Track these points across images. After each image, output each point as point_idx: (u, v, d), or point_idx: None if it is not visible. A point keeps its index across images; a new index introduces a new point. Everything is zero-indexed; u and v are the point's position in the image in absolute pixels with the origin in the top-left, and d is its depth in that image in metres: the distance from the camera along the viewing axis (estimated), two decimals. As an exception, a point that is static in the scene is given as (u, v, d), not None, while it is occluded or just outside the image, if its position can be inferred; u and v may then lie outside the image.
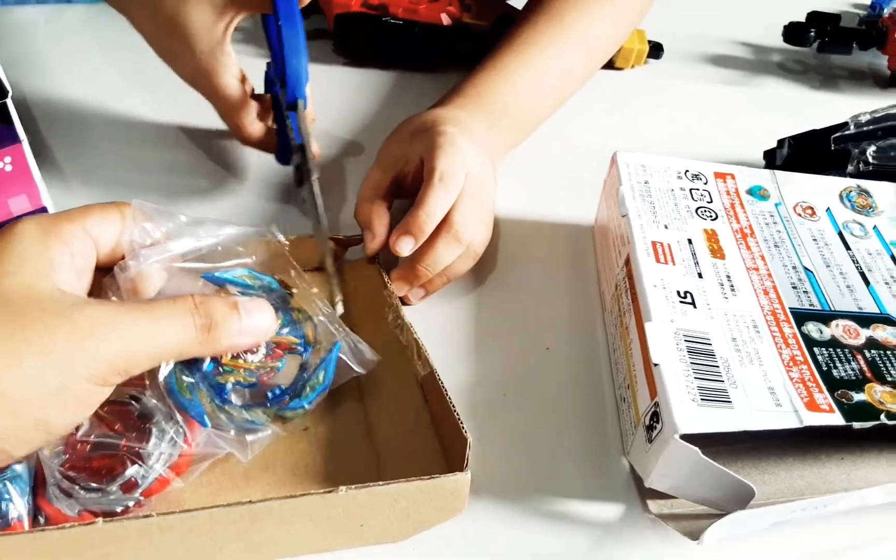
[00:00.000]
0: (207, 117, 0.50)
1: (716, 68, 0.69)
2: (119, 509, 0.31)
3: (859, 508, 0.36)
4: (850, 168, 0.51)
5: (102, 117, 0.57)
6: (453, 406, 0.35)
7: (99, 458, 0.31)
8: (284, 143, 0.49)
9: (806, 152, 0.53)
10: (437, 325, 0.45)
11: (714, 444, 0.34)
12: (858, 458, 0.38)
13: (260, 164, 0.54)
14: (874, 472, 0.37)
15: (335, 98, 0.62)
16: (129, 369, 0.29)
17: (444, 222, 0.43)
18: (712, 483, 0.33)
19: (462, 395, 0.41)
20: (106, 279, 0.33)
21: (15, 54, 0.63)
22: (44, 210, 0.41)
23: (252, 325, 0.33)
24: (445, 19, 0.63)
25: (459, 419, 0.34)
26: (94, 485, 0.31)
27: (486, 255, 0.47)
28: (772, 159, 0.55)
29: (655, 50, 0.68)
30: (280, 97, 0.45)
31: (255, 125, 0.49)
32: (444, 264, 0.44)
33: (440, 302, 0.46)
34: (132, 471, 0.31)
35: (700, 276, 0.40)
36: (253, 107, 0.49)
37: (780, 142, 0.55)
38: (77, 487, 0.31)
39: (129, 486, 0.31)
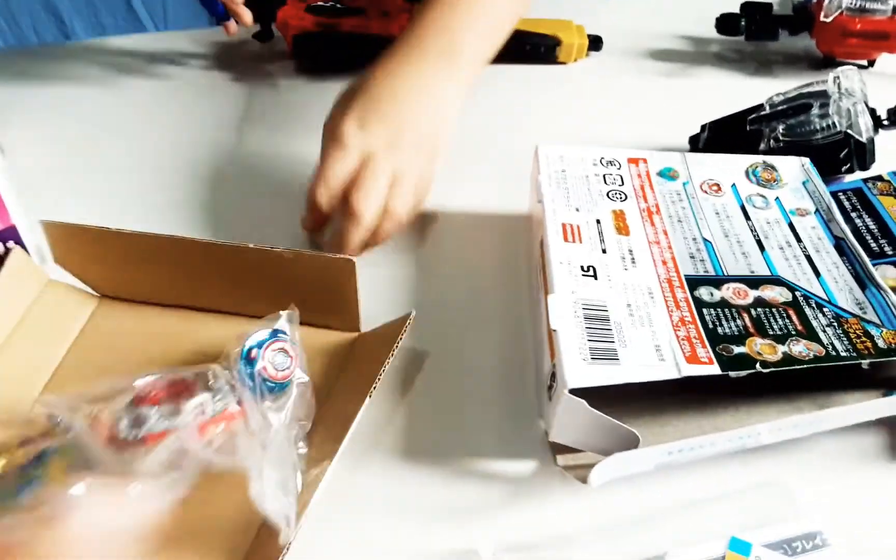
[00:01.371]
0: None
1: (655, 61, 0.73)
2: None
3: (744, 448, 0.39)
4: (762, 146, 0.54)
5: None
6: None
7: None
8: None
9: (724, 135, 0.57)
10: (377, 300, 0.49)
11: (618, 403, 0.37)
12: (753, 407, 0.41)
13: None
14: (764, 417, 0.40)
15: (300, 112, 0.66)
16: None
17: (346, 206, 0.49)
18: (602, 432, 0.36)
19: (400, 363, 0.45)
20: None
21: None
22: (13, 229, 0.45)
23: None
24: (395, 30, 0.67)
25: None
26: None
27: (427, 240, 0.51)
28: (696, 144, 0.59)
29: (595, 43, 0.72)
30: None
31: None
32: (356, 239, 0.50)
33: (382, 284, 0.50)
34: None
35: (604, 251, 0.44)
36: None
37: (703, 127, 0.59)
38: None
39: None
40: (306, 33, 0.69)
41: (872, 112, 0.53)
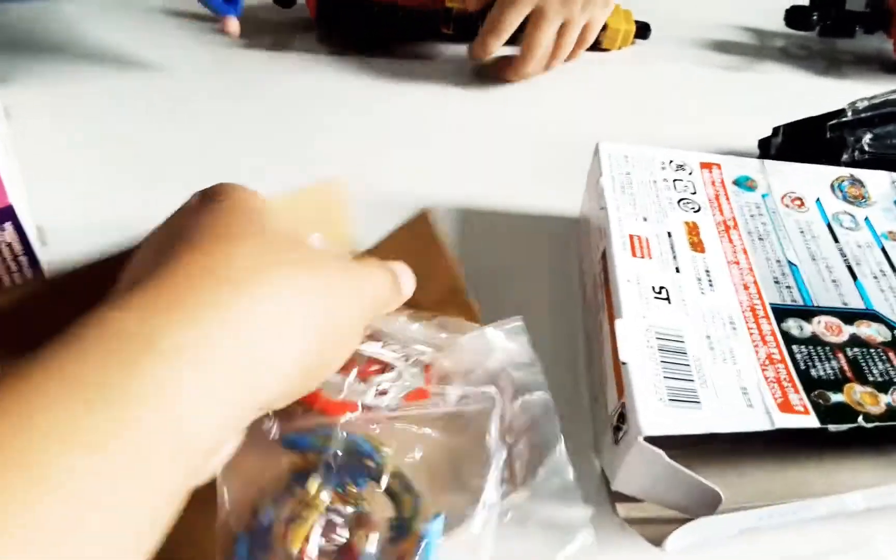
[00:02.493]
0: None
1: (712, 53, 0.67)
2: None
3: (836, 514, 0.34)
4: (844, 157, 0.49)
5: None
6: None
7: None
8: None
9: (800, 141, 0.51)
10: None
11: (688, 444, 0.32)
12: (841, 462, 0.36)
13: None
14: (856, 476, 0.35)
15: (317, 88, 0.61)
16: (371, 319, 0.32)
17: None
18: (678, 487, 0.32)
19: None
20: None
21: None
22: (10, 209, 0.40)
23: (406, 283, 0.35)
24: (430, 2, 0.62)
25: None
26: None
27: (466, 246, 0.46)
28: (766, 148, 0.54)
29: (643, 30, 0.67)
30: None
31: None
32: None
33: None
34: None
35: (678, 270, 0.39)
36: None
37: (775, 130, 0.53)
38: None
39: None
40: (332, 0, 0.63)
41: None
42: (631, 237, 0.40)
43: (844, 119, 0.50)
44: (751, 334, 0.36)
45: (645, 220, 0.42)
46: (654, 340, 0.35)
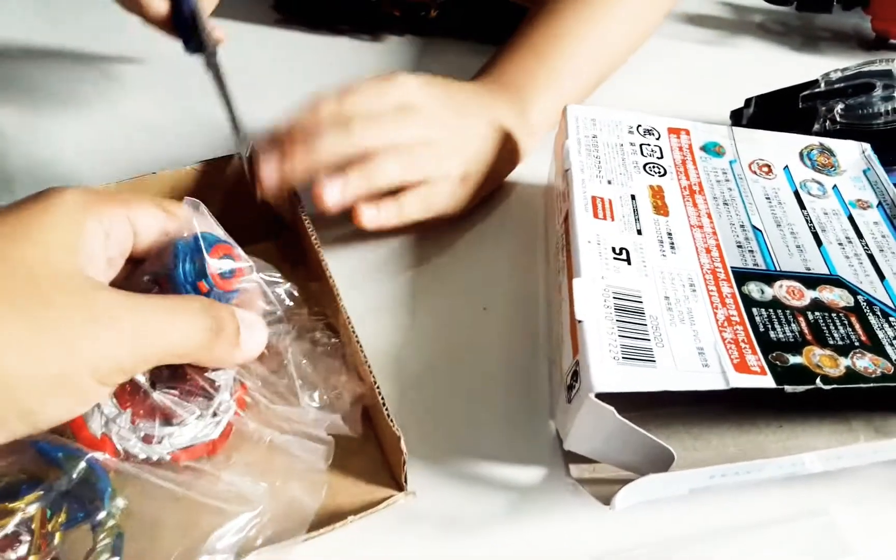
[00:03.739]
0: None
1: (691, 27, 0.66)
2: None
3: (790, 476, 0.34)
4: (816, 127, 0.48)
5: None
6: (392, 422, 0.31)
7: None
8: (179, 18, 0.43)
9: (773, 111, 0.50)
10: (377, 284, 0.43)
11: (644, 407, 0.32)
12: (798, 426, 0.35)
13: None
14: (814, 440, 0.35)
15: (272, 67, 0.59)
16: (134, 368, 0.27)
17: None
18: (630, 446, 0.31)
19: (396, 356, 0.39)
20: (133, 276, 0.31)
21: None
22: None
23: (248, 340, 0.30)
24: None
25: (398, 434, 0.31)
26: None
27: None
28: (738, 119, 0.53)
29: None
30: None
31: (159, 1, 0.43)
32: (381, 174, 0.40)
33: (383, 264, 0.44)
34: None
35: (639, 232, 0.38)
36: None
37: (748, 101, 0.52)
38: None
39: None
40: None
41: (944, 97, 0.47)
42: (594, 199, 0.39)
43: (817, 90, 0.49)
44: (710, 297, 0.35)
45: (609, 182, 0.41)
46: (611, 300, 0.34)
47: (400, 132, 0.41)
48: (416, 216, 0.43)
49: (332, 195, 0.39)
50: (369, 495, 0.33)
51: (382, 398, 0.32)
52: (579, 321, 0.33)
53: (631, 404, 0.30)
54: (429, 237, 0.46)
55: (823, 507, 0.34)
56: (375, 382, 0.32)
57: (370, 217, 0.41)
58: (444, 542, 0.33)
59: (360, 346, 0.33)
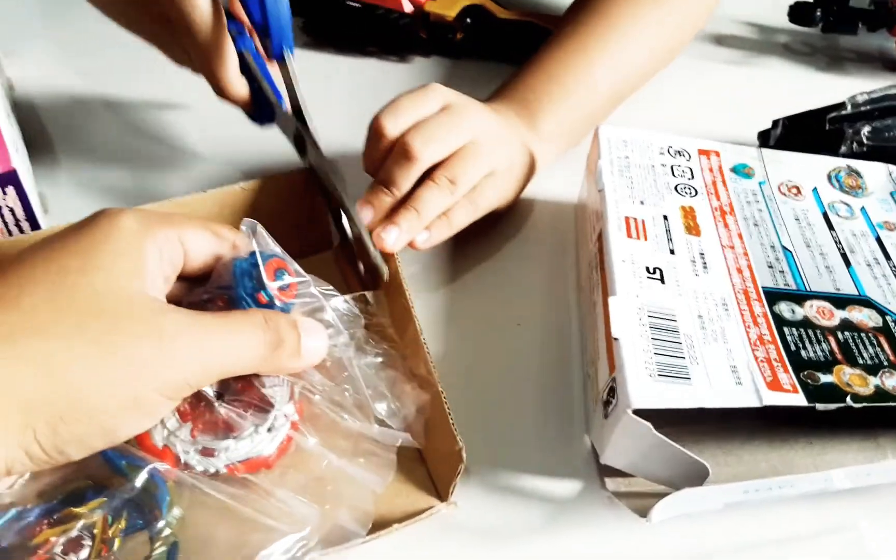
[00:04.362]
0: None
1: (717, 47, 0.67)
2: None
3: (820, 492, 0.35)
4: (843, 149, 0.49)
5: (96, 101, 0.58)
6: (455, 431, 0.33)
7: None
8: (261, 100, 0.45)
9: (800, 133, 0.51)
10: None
11: (678, 423, 0.33)
12: (828, 443, 0.36)
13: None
14: (842, 457, 0.36)
15: (302, 80, 0.61)
16: (200, 383, 0.28)
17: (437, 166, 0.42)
18: (666, 461, 0.32)
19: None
20: (192, 295, 0.32)
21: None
22: (13, 173, 0.41)
23: (309, 346, 0.31)
24: (407, 6, 0.62)
25: (460, 444, 0.32)
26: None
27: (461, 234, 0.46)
28: (766, 140, 0.54)
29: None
30: (255, 48, 0.43)
31: (238, 78, 0.44)
32: (434, 205, 0.42)
33: (417, 280, 0.46)
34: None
35: (672, 252, 0.39)
36: (235, 56, 0.44)
37: (775, 122, 0.53)
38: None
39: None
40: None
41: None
42: (627, 219, 0.41)
43: (844, 112, 0.50)
44: (742, 316, 0.36)
45: (642, 202, 0.42)
46: (646, 318, 0.35)
47: (449, 140, 0.43)
48: (465, 223, 0.44)
49: (393, 242, 0.41)
50: (411, 505, 0.34)
51: (448, 407, 0.33)
52: (616, 338, 0.34)
53: (664, 420, 0.31)
54: (461, 252, 0.47)
55: (852, 522, 0.35)
56: (442, 391, 0.34)
57: (423, 241, 0.42)
58: (482, 553, 0.34)
59: (430, 356, 0.35)
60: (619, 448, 0.33)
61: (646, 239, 0.40)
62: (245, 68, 0.43)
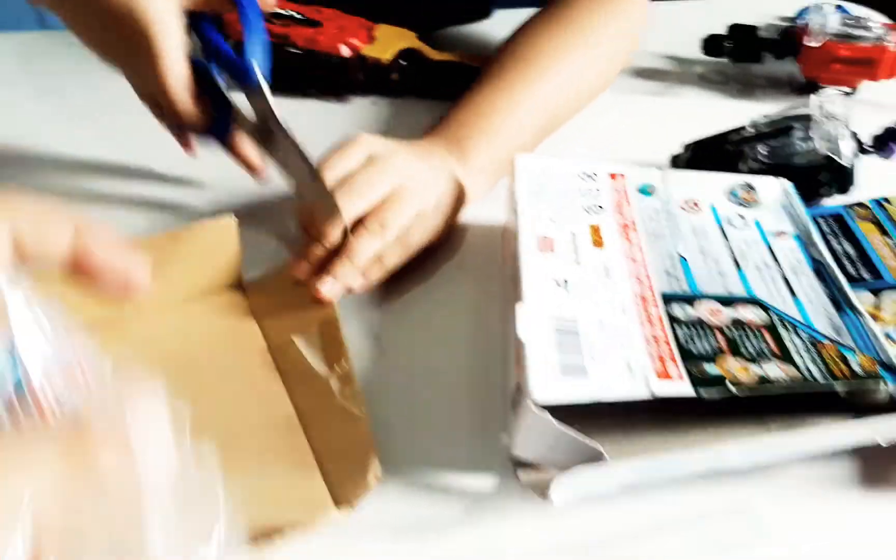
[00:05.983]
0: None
1: (637, 80, 0.72)
2: None
3: (715, 470, 0.37)
4: (743, 167, 0.53)
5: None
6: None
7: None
8: (221, 113, 0.50)
9: (706, 155, 0.56)
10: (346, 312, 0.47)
11: (586, 423, 0.36)
12: (723, 429, 0.39)
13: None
14: (735, 438, 0.39)
15: None
16: None
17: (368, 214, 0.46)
18: (567, 448, 0.35)
19: (364, 380, 0.43)
20: None
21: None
22: None
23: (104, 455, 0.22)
24: (345, 51, 0.66)
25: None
26: None
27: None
28: (677, 163, 0.58)
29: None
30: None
31: (191, 102, 0.48)
32: (366, 251, 0.46)
33: (352, 298, 0.49)
34: None
35: (579, 264, 0.43)
36: (188, 75, 0.48)
37: (686, 146, 0.58)
38: None
39: None
40: None
41: (854, 137, 0.52)
42: (539, 237, 0.44)
43: (745, 134, 0.55)
44: (640, 318, 0.40)
45: (553, 222, 0.46)
46: (552, 323, 0.39)
47: (374, 190, 0.47)
48: (398, 263, 0.48)
49: (328, 290, 0.45)
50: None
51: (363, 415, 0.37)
52: (522, 342, 0.38)
53: (574, 421, 0.35)
54: (394, 278, 0.50)
55: (748, 503, 0.39)
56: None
57: (359, 286, 0.46)
58: (402, 549, 0.37)
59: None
60: (526, 440, 0.36)
61: (555, 253, 0.43)
62: (202, 81, 0.48)
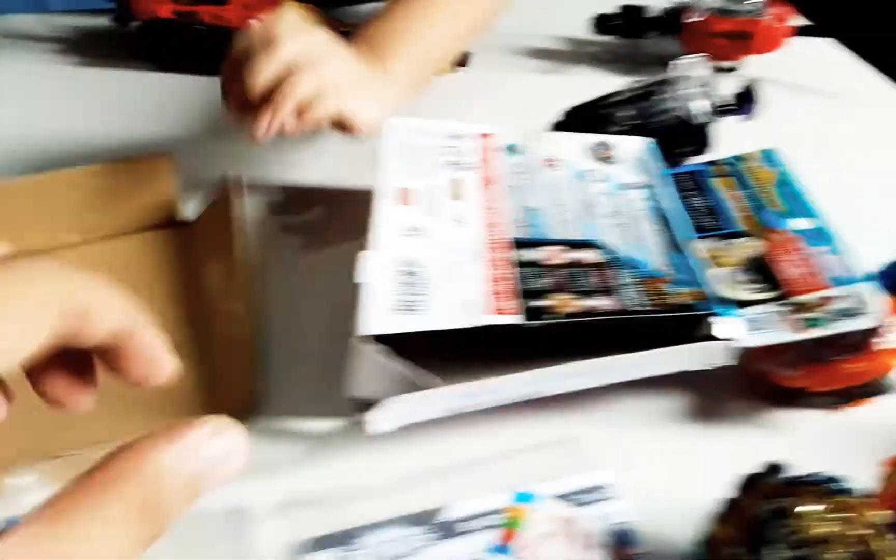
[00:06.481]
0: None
1: (531, 59, 0.74)
2: None
3: (535, 395, 0.39)
4: (612, 129, 0.55)
5: None
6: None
7: None
8: None
9: (581, 119, 0.57)
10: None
11: (442, 367, 0.37)
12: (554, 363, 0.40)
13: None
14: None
15: (143, 106, 0.65)
16: None
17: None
18: (399, 382, 0.36)
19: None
20: None
21: None
22: None
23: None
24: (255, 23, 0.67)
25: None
26: None
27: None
28: (557, 129, 0.60)
29: (462, 59, 0.72)
30: None
31: None
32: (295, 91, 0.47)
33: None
34: None
35: (435, 214, 0.44)
36: None
37: (565, 113, 0.60)
38: None
39: None
40: (156, 20, 0.67)
41: (708, 97, 0.54)
42: (398, 190, 0.45)
43: (616, 99, 0.57)
44: (488, 261, 0.41)
45: (414, 176, 0.47)
46: (395, 267, 0.40)
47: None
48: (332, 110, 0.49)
49: (266, 125, 0.47)
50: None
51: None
52: (361, 284, 0.39)
53: (419, 359, 0.36)
54: (287, 242, 0.51)
55: (572, 433, 0.40)
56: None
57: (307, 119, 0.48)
58: (251, 487, 0.37)
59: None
60: (361, 377, 0.37)
61: (413, 205, 0.45)
62: None
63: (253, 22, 0.50)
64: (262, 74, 0.47)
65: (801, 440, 0.40)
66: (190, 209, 0.52)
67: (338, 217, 0.55)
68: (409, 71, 0.55)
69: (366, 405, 0.38)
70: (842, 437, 0.40)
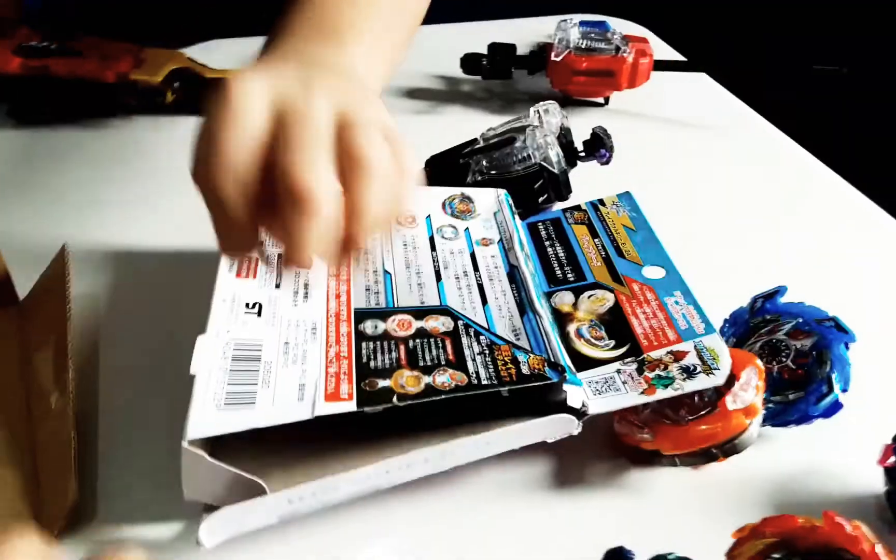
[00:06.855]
0: None
1: (406, 100, 0.73)
2: None
3: (364, 492, 0.36)
4: (469, 179, 0.54)
5: None
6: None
7: None
8: None
9: (441, 170, 0.57)
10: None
11: (266, 455, 0.35)
12: (388, 446, 0.36)
13: None
14: (398, 452, 0.36)
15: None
16: None
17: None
18: (229, 486, 0.34)
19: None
20: None
21: None
22: None
23: None
24: (110, 76, 0.65)
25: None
26: None
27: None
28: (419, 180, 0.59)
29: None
30: None
31: None
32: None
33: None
34: None
35: (277, 286, 0.42)
36: None
37: (426, 162, 0.59)
38: None
39: None
40: (8, 77, 0.64)
41: (570, 144, 0.55)
42: (242, 260, 0.43)
43: (475, 147, 0.56)
44: (328, 337, 0.39)
45: (261, 244, 0.44)
46: (230, 351, 0.38)
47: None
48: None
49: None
50: None
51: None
52: (193, 376, 0.36)
53: (253, 453, 0.34)
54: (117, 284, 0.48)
55: (392, 525, 0.37)
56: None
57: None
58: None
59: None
60: (194, 481, 0.35)
61: (255, 276, 0.42)
62: None
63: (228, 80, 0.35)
64: (317, 176, 0.32)
65: (662, 502, 0.39)
66: (23, 285, 0.49)
67: (189, 283, 0.52)
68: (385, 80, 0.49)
69: (211, 508, 0.36)
70: (703, 497, 0.39)
